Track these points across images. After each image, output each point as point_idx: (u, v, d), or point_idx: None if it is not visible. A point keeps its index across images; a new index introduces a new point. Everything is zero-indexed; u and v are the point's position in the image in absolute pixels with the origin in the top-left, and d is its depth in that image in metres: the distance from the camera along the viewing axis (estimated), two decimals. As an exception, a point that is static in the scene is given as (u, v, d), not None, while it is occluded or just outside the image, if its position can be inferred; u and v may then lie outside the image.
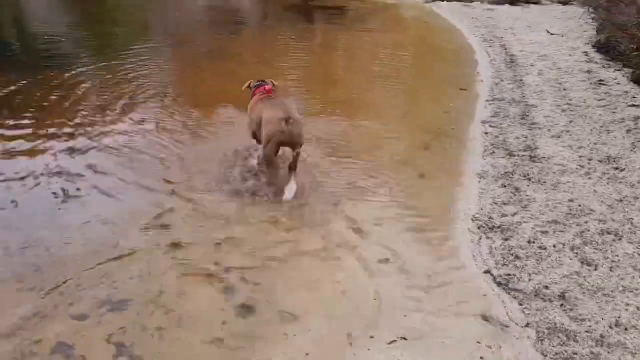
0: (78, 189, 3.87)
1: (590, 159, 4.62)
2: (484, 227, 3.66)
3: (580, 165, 4.52)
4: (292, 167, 3.98)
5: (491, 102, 6.32)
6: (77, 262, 3.06)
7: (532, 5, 13.75)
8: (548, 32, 9.98)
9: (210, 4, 15.95)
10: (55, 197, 3.75)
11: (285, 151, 4.09)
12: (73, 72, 6.50)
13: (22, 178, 3.98)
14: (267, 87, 4.30)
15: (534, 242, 3.42)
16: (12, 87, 5.82)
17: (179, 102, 5.79)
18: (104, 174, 4.13)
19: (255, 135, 4.28)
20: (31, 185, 3.90)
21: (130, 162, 4.37)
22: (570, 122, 5.52)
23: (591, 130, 5.26)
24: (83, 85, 6.10)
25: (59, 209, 3.64)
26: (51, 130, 4.84)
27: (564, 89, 6.59)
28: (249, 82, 4.53)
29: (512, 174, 4.41)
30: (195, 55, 8.12)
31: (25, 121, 5.01)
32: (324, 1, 15.73)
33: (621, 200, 3.91)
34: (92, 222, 3.48)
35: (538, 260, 3.23)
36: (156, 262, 3.12)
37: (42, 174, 4.04)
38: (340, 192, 4.06)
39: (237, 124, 5.10)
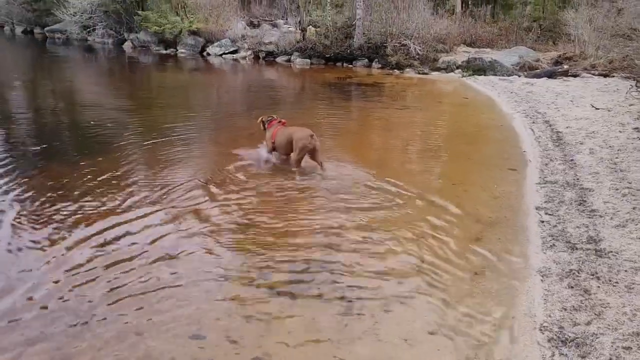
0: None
1: (665, 255, 4.18)
2: (555, 339, 3.24)
3: (655, 262, 4.08)
4: (320, 164, 6.15)
5: (543, 185, 5.99)
6: None
7: (571, 79, 13.61)
8: (593, 106, 9.70)
9: (248, 81, 16.63)
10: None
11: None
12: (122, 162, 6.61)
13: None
14: (283, 121, 6.45)
15: (617, 363, 2.98)
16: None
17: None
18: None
19: (273, 149, 6.34)
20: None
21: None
22: (634, 208, 5.11)
23: (660, 219, 4.84)
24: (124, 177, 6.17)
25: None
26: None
27: (621, 170, 6.21)
28: (261, 117, 6.66)
29: (579, 273, 4.01)
30: (236, 138, 8.20)
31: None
32: (360, 78, 16.14)
33: None
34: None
35: (626, 388, 2.79)
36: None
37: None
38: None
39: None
